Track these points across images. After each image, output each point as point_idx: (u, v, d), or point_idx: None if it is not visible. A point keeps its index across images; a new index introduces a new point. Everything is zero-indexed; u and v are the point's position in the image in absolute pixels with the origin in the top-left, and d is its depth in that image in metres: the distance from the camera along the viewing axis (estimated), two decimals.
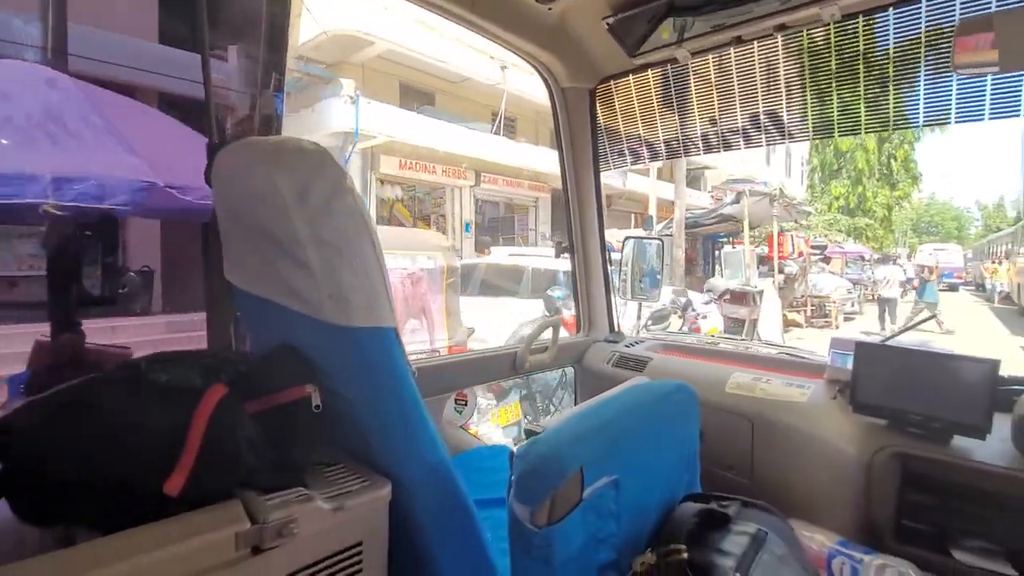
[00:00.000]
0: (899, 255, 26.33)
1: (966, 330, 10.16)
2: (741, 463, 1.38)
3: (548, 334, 1.72)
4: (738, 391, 1.43)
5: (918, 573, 0.98)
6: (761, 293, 7.88)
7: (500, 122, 11.18)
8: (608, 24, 1.37)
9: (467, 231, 11.84)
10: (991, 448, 1.02)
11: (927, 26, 1.21)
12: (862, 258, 18.35)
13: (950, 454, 1.05)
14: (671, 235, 11.68)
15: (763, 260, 12.43)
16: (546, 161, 11.51)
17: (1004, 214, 44.86)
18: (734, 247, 12.03)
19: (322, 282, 0.65)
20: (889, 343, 1.20)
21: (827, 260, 16.75)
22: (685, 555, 0.67)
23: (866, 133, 1.43)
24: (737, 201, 10.49)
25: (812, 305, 11.37)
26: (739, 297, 7.38)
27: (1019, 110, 1.18)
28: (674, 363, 1.68)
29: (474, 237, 11.89)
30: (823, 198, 21.72)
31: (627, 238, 2.23)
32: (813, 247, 16.83)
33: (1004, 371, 1.07)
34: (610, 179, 11.70)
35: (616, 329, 1.95)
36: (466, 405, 1.67)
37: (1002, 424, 1.02)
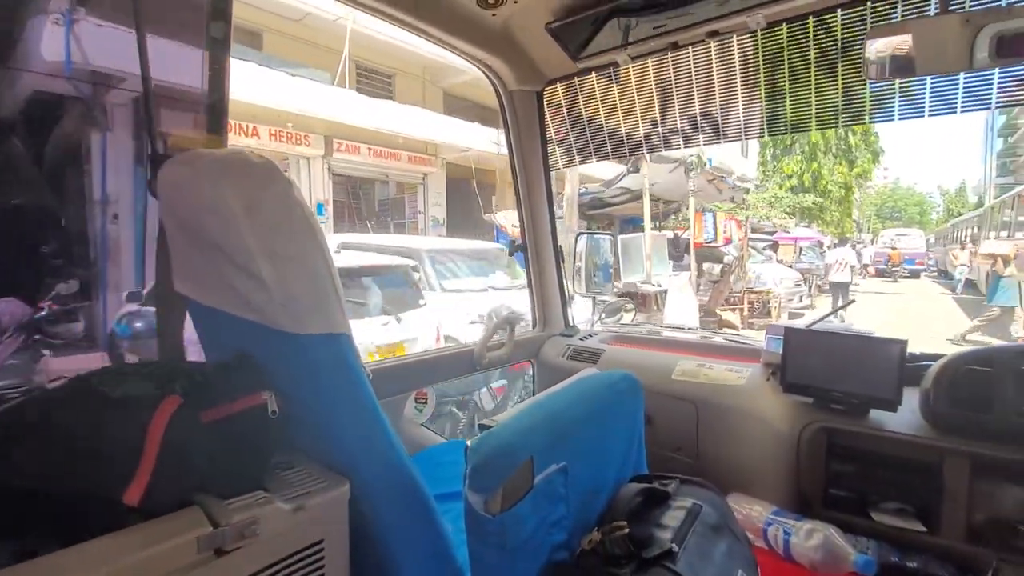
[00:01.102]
0: (863, 240, 25.16)
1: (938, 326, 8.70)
2: (687, 445, 1.47)
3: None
4: (683, 378, 1.51)
5: (840, 534, 1.08)
6: (663, 293, 6.82)
7: (344, 70, 8.50)
8: (551, 29, 1.42)
9: (320, 213, 9.08)
10: (902, 419, 1.14)
11: (843, 33, 1.31)
12: (820, 244, 16.35)
13: (867, 426, 1.16)
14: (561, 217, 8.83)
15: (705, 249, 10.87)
16: (439, 129, 9.83)
17: (965, 199, 46.14)
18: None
19: (275, 293, 0.67)
20: (814, 327, 1.30)
21: (775, 247, 15.08)
22: (627, 530, 0.73)
23: (792, 133, 1.53)
24: (637, 170, 8.38)
25: (750, 301, 9.46)
26: (633, 300, 6.04)
27: (955, 107, 1.29)
28: (625, 354, 1.76)
29: (331, 222, 9.48)
30: (774, 176, 19.38)
31: (579, 234, 2.30)
32: (757, 232, 15.47)
33: (912, 349, 1.19)
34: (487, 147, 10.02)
35: (570, 323, 2.02)
36: (426, 403, 1.70)
37: (911, 397, 1.14)
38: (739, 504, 1.26)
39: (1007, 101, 1.23)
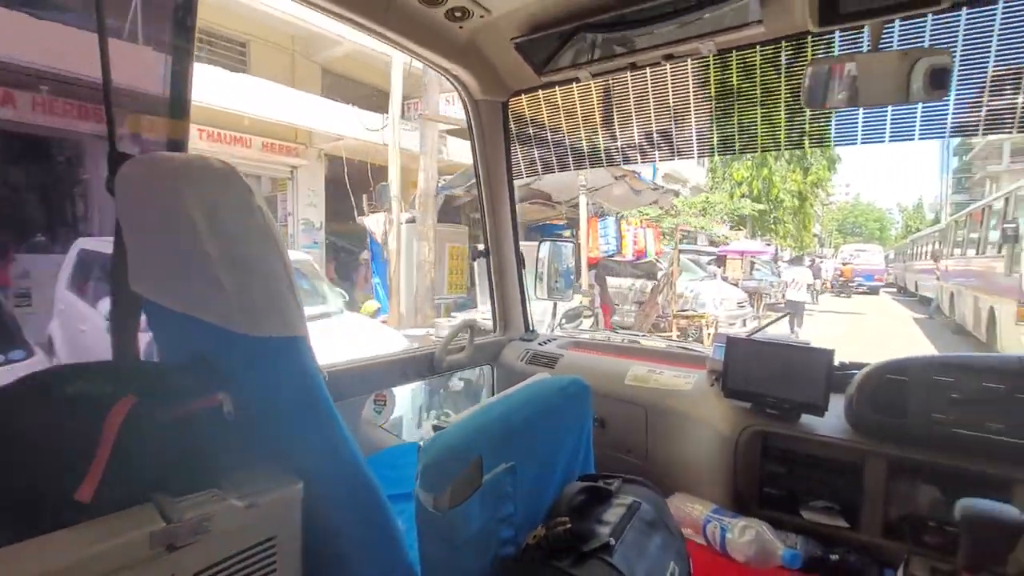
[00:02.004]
0: (824, 255, 24.60)
1: None
2: (638, 446, 1.54)
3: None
4: (635, 383, 1.58)
5: (771, 530, 1.16)
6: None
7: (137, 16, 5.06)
8: (517, 44, 1.47)
9: None
10: (829, 423, 1.23)
11: (786, 64, 1.41)
12: (775, 260, 15.21)
13: (798, 430, 1.24)
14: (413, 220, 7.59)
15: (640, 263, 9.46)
16: (304, 111, 8.13)
17: (923, 216, 47.71)
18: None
19: (233, 297, 0.69)
20: (754, 337, 1.39)
21: (721, 262, 13.69)
22: (568, 526, 0.77)
23: (740, 154, 1.63)
24: None
25: (680, 328, 8.11)
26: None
27: (884, 137, 1.40)
28: (581, 359, 1.82)
29: None
30: (724, 184, 18.06)
31: (542, 240, 2.36)
32: (688, 243, 13.82)
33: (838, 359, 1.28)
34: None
35: (530, 328, 2.07)
36: (385, 405, 1.72)
37: (837, 403, 1.23)
38: (683, 503, 1.33)
39: (960, 129, 1.33)
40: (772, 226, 18.20)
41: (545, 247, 2.32)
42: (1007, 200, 7.80)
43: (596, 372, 1.70)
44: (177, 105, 1.06)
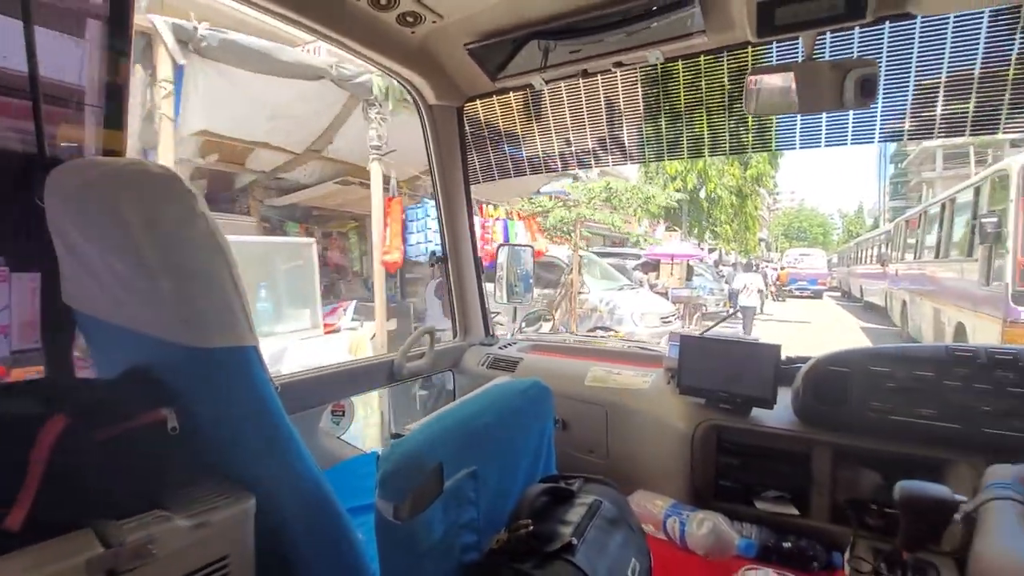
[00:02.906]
0: (772, 259, 24.66)
1: None
2: (599, 446, 1.56)
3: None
4: (595, 383, 1.61)
5: (727, 522, 1.20)
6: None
7: None
8: (470, 50, 1.47)
9: None
10: (778, 415, 1.28)
11: (729, 72, 1.47)
12: (717, 265, 14.13)
13: (749, 423, 1.29)
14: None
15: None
16: None
17: (863, 221, 49.96)
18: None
19: (176, 308, 0.66)
20: (706, 335, 1.43)
21: (648, 268, 12.06)
22: (531, 528, 0.78)
23: (689, 157, 1.69)
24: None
25: None
26: None
27: (820, 142, 1.47)
28: (542, 362, 1.84)
29: None
30: (657, 178, 16.00)
31: (500, 245, 2.38)
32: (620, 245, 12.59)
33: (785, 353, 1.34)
34: None
35: (491, 333, 2.07)
36: (343, 415, 1.68)
37: (785, 395, 1.29)
38: (644, 499, 1.36)
39: (888, 135, 1.41)
40: (712, 227, 16.48)
41: (504, 252, 2.34)
42: (978, 191, 5.95)
43: (557, 374, 1.71)
44: (114, 110, 1.01)
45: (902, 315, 9.37)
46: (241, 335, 0.70)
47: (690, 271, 12.61)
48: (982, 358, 1.13)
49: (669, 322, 7.99)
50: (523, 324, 2.50)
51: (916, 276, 8.56)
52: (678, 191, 15.46)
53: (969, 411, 1.09)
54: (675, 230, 16.69)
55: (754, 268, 11.56)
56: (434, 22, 1.36)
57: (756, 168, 17.96)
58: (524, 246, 2.59)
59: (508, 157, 1.87)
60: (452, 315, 2.02)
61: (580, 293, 7.45)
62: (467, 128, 1.84)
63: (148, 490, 0.67)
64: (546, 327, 2.43)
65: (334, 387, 1.53)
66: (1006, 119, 1.28)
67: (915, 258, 8.81)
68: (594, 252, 11.56)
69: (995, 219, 5.09)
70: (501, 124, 1.81)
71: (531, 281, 2.42)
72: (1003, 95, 1.25)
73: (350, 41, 1.37)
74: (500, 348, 1.95)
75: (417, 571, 0.75)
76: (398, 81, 1.66)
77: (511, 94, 1.73)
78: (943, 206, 7.41)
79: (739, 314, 10.04)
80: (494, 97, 1.75)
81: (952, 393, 1.11)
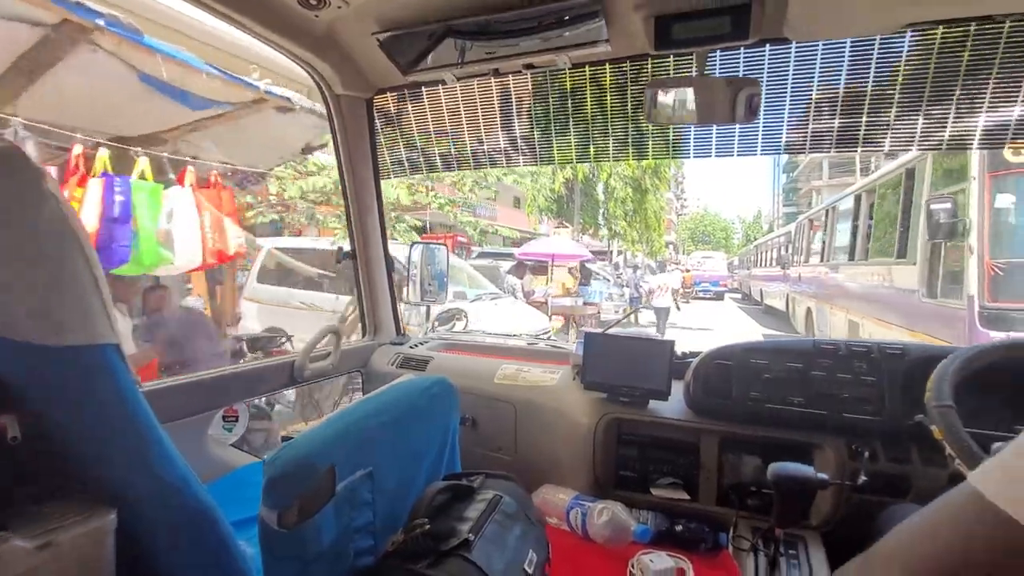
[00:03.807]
0: (680, 261, 25.19)
1: None
2: (507, 443, 1.58)
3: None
4: (504, 380, 1.62)
5: (625, 510, 1.25)
6: None
7: None
8: (379, 40, 1.43)
9: None
10: (672, 407, 1.36)
11: (631, 81, 1.54)
12: (616, 267, 12.91)
13: (647, 415, 1.36)
14: None
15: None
16: None
17: (760, 227, 52.81)
18: None
19: (19, 300, 0.58)
20: (609, 332, 1.49)
21: (538, 271, 10.27)
22: (427, 527, 0.77)
23: (596, 162, 1.75)
24: None
25: None
26: None
27: (711, 152, 1.58)
28: (453, 360, 1.82)
29: None
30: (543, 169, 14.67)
31: (414, 243, 2.34)
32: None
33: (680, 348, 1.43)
34: None
35: (402, 331, 2.03)
36: (237, 421, 1.57)
37: (679, 388, 1.37)
38: (549, 493, 1.39)
39: (771, 148, 1.53)
40: (610, 224, 14.51)
41: (418, 249, 2.30)
42: (911, 173, 4.71)
43: (467, 372, 1.71)
44: None
45: (807, 322, 8.31)
46: (99, 332, 0.63)
47: (587, 274, 11.09)
48: (842, 350, 1.26)
49: (542, 337, 6.01)
50: (436, 323, 2.47)
51: (824, 280, 7.37)
52: (565, 182, 14.45)
53: (832, 398, 1.22)
54: (565, 226, 15.07)
55: (667, 269, 11.22)
56: (339, 7, 1.30)
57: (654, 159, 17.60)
58: (437, 243, 2.57)
59: (421, 153, 1.84)
60: (361, 313, 1.96)
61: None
62: (378, 121, 1.79)
63: None
64: (459, 325, 2.42)
65: (226, 391, 1.43)
66: (864, 139, 1.45)
67: (823, 260, 7.59)
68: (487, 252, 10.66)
69: (948, 205, 3.87)
70: (414, 119, 1.77)
71: (445, 280, 2.40)
72: (861, 116, 1.41)
73: (249, 21, 1.28)
74: (411, 347, 1.92)
75: None
76: (303, 68, 1.58)
77: (424, 89, 1.70)
78: (858, 198, 6.16)
79: (636, 316, 9.78)
80: (406, 91, 1.72)
81: (818, 382, 1.24)
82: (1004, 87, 1.24)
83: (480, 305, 6.34)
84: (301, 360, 1.57)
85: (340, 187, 1.79)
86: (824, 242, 7.77)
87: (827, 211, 7.75)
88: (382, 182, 1.89)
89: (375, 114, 1.77)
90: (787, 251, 11.04)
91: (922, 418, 1.01)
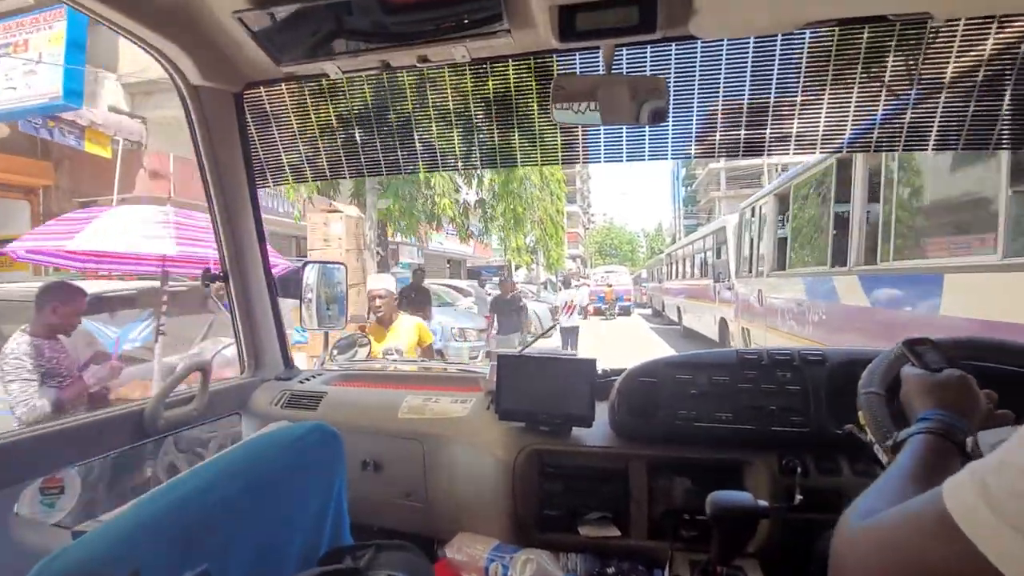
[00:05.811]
0: (588, 275, 25.03)
1: None
2: (416, 487, 1.37)
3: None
4: (410, 415, 1.42)
5: (551, 559, 1.10)
6: None
7: None
8: (242, 20, 1.21)
9: None
10: (596, 433, 1.23)
11: (536, 79, 1.43)
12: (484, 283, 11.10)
13: (570, 444, 1.22)
14: None
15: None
16: None
17: (663, 238, 54.18)
18: None
19: None
20: (524, 352, 1.34)
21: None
22: None
23: (502, 167, 1.62)
24: None
25: None
26: None
27: (622, 157, 1.49)
28: (351, 394, 1.59)
29: None
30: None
31: (307, 263, 2.09)
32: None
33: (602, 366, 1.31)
34: None
35: (290, 364, 1.76)
36: (61, 494, 1.23)
37: (603, 410, 1.25)
38: (465, 544, 1.20)
39: (680, 153, 1.47)
40: (505, 230, 11.74)
41: (313, 270, 2.06)
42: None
43: (368, 407, 1.49)
44: None
45: (743, 337, 6.47)
46: None
47: (423, 297, 7.30)
48: (765, 360, 1.20)
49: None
50: (335, 351, 2.20)
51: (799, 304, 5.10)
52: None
53: (760, 411, 1.15)
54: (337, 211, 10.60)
55: (573, 285, 10.05)
56: None
57: None
58: (336, 263, 2.32)
59: (304, 157, 1.61)
60: (238, 345, 1.66)
61: None
62: (250, 120, 1.54)
63: None
64: (363, 352, 2.15)
65: (49, 455, 1.09)
66: (769, 146, 1.43)
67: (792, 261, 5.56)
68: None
69: None
70: (293, 117, 1.54)
71: (345, 303, 2.16)
72: (765, 123, 1.40)
73: None
74: (300, 382, 1.66)
75: None
76: (149, 52, 1.31)
77: (304, 84, 1.48)
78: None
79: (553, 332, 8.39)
80: (283, 85, 1.49)
81: (745, 395, 1.16)
82: (898, 89, 1.26)
83: None
84: (153, 407, 1.26)
85: (206, 198, 1.51)
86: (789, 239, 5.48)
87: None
88: (262, 190, 1.63)
89: (247, 111, 1.52)
90: (721, 255, 8.67)
91: (851, 427, 0.95)
